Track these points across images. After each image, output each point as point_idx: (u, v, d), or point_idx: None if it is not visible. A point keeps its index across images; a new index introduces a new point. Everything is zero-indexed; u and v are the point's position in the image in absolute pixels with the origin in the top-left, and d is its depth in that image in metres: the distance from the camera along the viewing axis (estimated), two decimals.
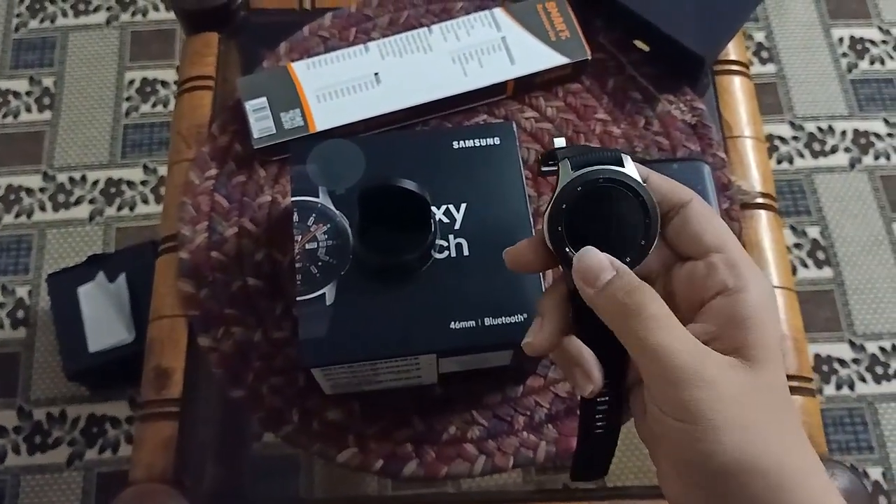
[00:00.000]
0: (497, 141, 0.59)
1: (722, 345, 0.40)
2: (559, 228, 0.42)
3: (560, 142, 0.46)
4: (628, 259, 0.42)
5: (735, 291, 0.40)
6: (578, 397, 0.46)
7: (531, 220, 0.58)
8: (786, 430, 0.39)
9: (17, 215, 1.56)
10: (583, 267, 0.41)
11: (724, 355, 0.39)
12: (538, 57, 0.73)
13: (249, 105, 0.71)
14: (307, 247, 0.56)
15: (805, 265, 1.54)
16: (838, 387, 1.46)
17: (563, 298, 0.44)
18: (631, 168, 0.43)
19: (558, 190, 0.42)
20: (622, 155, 0.43)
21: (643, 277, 0.42)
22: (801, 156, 1.64)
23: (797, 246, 1.54)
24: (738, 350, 0.39)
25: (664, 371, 0.38)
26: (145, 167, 1.59)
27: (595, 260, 0.41)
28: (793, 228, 1.56)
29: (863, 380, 1.46)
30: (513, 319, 0.54)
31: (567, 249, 0.42)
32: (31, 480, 1.38)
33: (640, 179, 0.43)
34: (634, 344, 0.39)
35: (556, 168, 0.44)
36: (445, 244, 0.57)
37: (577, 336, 0.44)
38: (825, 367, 1.46)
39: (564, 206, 0.42)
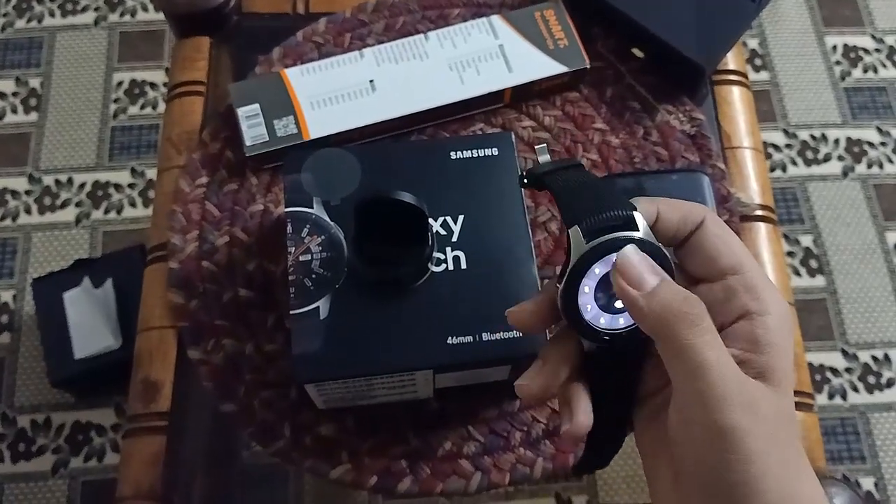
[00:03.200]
0: (495, 151, 0.59)
1: (746, 369, 0.39)
2: (574, 303, 0.41)
3: (544, 156, 0.47)
4: None
5: (757, 315, 0.40)
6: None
7: (529, 232, 0.57)
8: (798, 455, 0.39)
9: (2, 218, 1.55)
10: (627, 266, 0.40)
11: (753, 380, 0.39)
12: (536, 65, 0.72)
13: (241, 111, 0.70)
14: (301, 259, 0.55)
15: (798, 273, 1.54)
16: (830, 396, 1.45)
17: (569, 351, 0.44)
18: (643, 226, 0.41)
19: (573, 263, 0.41)
20: (633, 214, 0.41)
21: None
22: (795, 164, 1.63)
23: (790, 254, 1.54)
24: (762, 374, 0.39)
25: (707, 390, 0.37)
26: (133, 170, 1.58)
27: (638, 260, 0.40)
28: (786, 237, 1.55)
29: (855, 389, 1.46)
30: (511, 334, 0.54)
31: (585, 323, 0.42)
32: (15, 489, 1.36)
33: (653, 238, 0.41)
34: (682, 356, 0.38)
35: (538, 186, 0.45)
36: (443, 257, 0.56)
37: (590, 384, 0.44)
38: (818, 376, 1.46)
39: (580, 280, 0.41)
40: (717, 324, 0.41)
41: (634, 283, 0.40)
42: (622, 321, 0.42)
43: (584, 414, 0.43)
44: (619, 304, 0.42)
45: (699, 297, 0.41)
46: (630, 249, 0.40)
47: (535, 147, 0.47)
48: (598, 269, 0.41)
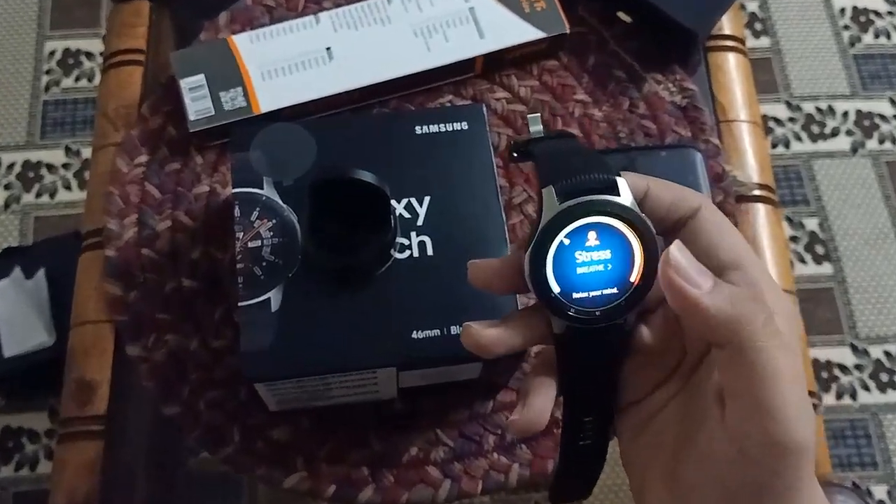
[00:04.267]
0: (465, 126, 0.59)
1: None
2: (543, 270, 0.41)
3: (536, 127, 0.46)
4: (623, 301, 0.41)
5: None
6: (562, 415, 0.45)
7: (503, 215, 0.57)
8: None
9: None
10: (681, 260, 0.39)
11: None
12: (510, 30, 0.72)
13: (185, 83, 0.69)
14: (250, 245, 0.55)
15: (802, 260, 1.54)
16: (839, 396, 1.46)
17: (548, 369, 0.43)
18: (626, 194, 0.41)
19: (542, 224, 0.40)
20: (616, 179, 0.41)
21: (643, 308, 0.42)
22: (799, 139, 1.64)
23: (794, 239, 1.54)
24: None
25: (776, 401, 0.37)
26: (67, 149, 1.57)
27: (690, 257, 0.39)
28: (789, 220, 1.56)
29: (866, 388, 1.46)
30: None
31: (552, 293, 0.41)
32: None
33: (638, 210, 0.41)
34: (752, 362, 0.37)
35: (527, 157, 0.44)
36: (407, 242, 0.56)
37: (561, 378, 0.43)
38: (824, 374, 1.46)
39: (550, 244, 0.40)
40: None
41: (692, 281, 0.39)
42: (598, 298, 0.41)
43: (538, 407, 0.42)
44: (590, 273, 0.41)
45: None
46: (679, 244, 0.40)
47: (528, 117, 0.46)
48: (571, 235, 0.41)
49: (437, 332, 0.54)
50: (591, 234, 0.40)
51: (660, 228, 0.43)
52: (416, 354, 0.54)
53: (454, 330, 0.54)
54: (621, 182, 0.41)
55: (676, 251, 0.39)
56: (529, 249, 0.41)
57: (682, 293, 0.39)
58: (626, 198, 0.40)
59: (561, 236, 0.40)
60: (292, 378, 0.54)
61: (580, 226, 0.40)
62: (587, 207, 0.40)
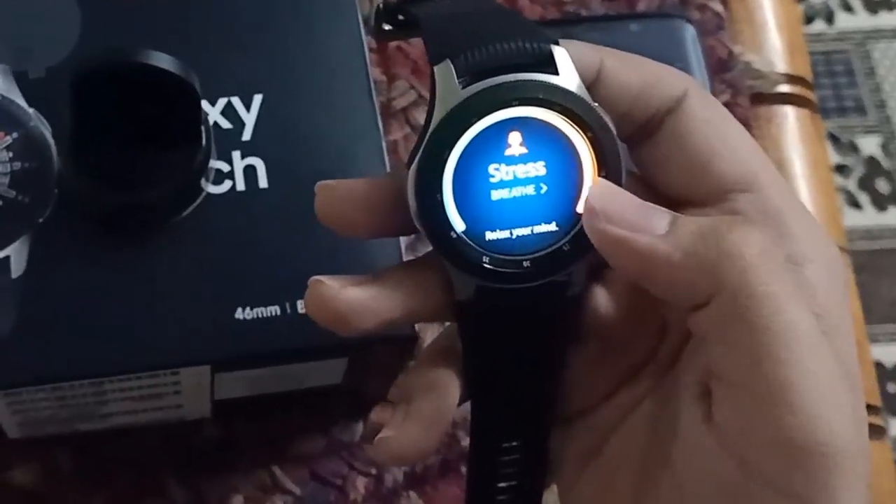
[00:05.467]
0: None
1: None
2: (438, 196, 0.37)
3: None
4: (566, 245, 0.38)
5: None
6: (469, 442, 0.43)
7: (379, 125, 0.54)
8: None
9: None
10: (608, 197, 0.37)
11: None
12: None
13: None
14: None
15: (856, 204, 1.48)
16: None
17: (446, 358, 0.41)
18: (569, 73, 0.37)
19: (436, 122, 0.37)
20: (552, 48, 0.37)
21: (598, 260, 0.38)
22: (849, 9, 1.60)
23: (839, 169, 1.48)
24: None
25: (793, 377, 0.35)
26: None
27: (619, 190, 0.38)
28: (833, 138, 1.51)
29: None
30: None
31: (453, 233, 0.37)
32: None
33: (587, 96, 0.37)
34: (746, 316, 0.35)
35: (408, 24, 0.41)
36: (227, 168, 0.52)
37: (468, 374, 0.41)
38: (891, 386, 1.44)
39: (448, 153, 0.37)
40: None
41: (635, 225, 0.37)
42: (526, 240, 0.38)
43: (425, 418, 0.40)
44: (513, 199, 0.38)
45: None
46: (603, 182, 0.37)
47: None
48: (482, 139, 0.37)
49: (273, 309, 0.51)
50: (514, 137, 0.37)
51: (621, 131, 0.39)
52: (240, 345, 0.50)
53: (300, 306, 0.50)
54: (560, 54, 0.37)
55: (597, 190, 0.37)
56: (416, 162, 0.37)
57: (627, 247, 0.37)
58: (568, 78, 0.37)
59: (466, 141, 0.37)
60: (45, 384, 0.50)
61: (496, 122, 0.37)
62: (507, 93, 0.37)
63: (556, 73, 0.37)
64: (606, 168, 0.37)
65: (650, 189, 0.41)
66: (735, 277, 0.34)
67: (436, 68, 0.37)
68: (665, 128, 0.39)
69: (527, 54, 0.37)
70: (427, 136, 0.37)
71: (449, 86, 0.37)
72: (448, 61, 0.36)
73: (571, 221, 0.38)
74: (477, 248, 0.37)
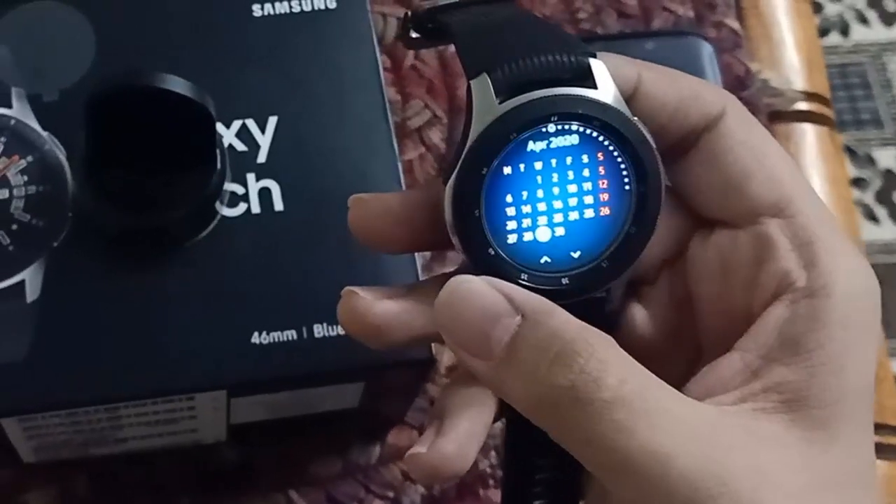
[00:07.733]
0: (332, 3, 0.57)
1: (774, 395, 0.36)
2: (476, 212, 0.37)
3: None
4: (605, 262, 0.38)
5: (808, 294, 0.36)
6: (503, 459, 0.43)
7: (395, 145, 0.54)
8: None
9: None
10: (449, 309, 0.36)
11: (773, 415, 0.36)
12: None
13: None
14: None
15: (873, 217, 1.49)
16: None
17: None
18: (607, 86, 0.37)
19: (474, 138, 0.37)
20: (590, 61, 0.37)
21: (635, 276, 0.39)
22: (864, 21, 1.61)
23: (856, 183, 1.49)
24: (801, 402, 0.36)
25: (653, 490, 0.33)
26: None
27: (480, 293, 0.36)
28: (850, 152, 1.51)
29: None
30: None
31: (491, 250, 0.37)
32: None
33: (626, 110, 0.37)
34: (588, 455, 0.35)
35: (439, 35, 0.41)
36: (241, 191, 0.52)
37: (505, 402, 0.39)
38: None
39: (486, 169, 0.36)
40: (739, 306, 0.38)
41: (471, 346, 0.36)
42: (564, 258, 0.38)
43: (461, 435, 0.39)
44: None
45: (715, 255, 0.39)
46: (463, 278, 0.36)
47: None
48: (520, 155, 0.36)
49: (290, 333, 0.50)
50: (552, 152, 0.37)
51: (658, 145, 0.38)
52: (256, 370, 0.50)
53: (318, 330, 0.50)
54: (598, 67, 0.37)
55: (444, 293, 0.36)
56: (453, 178, 0.37)
57: (463, 362, 0.36)
58: (606, 92, 0.37)
59: (503, 156, 0.37)
60: (59, 409, 0.50)
61: (533, 135, 0.37)
62: (545, 108, 0.36)
63: (594, 86, 0.37)
64: (644, 182, 0.37)
65: (682, 205, 0.41)
66: (565, 427, 0.36)
67: (472, 83, 0.37)
68: (701, 145, 0.39)
69: (564, 68, 0.37)
70: (465, 152, 0.37)
71: (486, 101, 0.36)
72: (485, 75, 0.37)
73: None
74: (514, 265, 0.37)
